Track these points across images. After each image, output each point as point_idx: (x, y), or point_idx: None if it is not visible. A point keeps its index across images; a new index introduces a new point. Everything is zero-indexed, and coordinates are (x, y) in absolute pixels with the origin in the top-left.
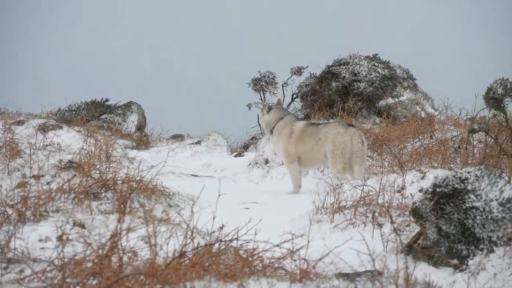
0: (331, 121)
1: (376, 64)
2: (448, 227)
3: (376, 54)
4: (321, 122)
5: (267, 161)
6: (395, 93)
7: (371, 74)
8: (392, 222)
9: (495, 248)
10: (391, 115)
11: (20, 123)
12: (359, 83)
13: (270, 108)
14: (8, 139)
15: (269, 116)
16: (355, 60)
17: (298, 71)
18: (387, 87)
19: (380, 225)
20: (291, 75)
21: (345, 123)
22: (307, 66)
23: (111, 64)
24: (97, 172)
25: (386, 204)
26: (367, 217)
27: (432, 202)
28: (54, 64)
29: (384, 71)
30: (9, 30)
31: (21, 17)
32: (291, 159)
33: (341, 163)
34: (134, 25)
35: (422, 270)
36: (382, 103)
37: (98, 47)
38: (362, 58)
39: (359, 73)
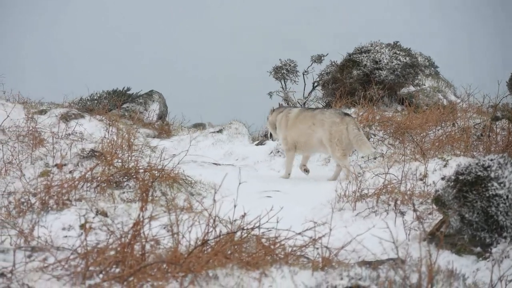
0: (328, 108)
1: (398, 52)
2: (471, 215)
3: (397, 42)
4: (317, 108)
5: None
6: (416, 81)
7: (392, 62)
8: (414, 210)
9: None
10: (413, 103)
11: (42, 112)
12: (380, 71)
13: (272, 111)
14: (31, 128)
15: (272, 116)
16: (376, 48)
17: (319, 59)
18: (408, 75)
19: (403, 213)
20: (312, 63)
21: (341, 112)
22: (327, 54)
23: (133, 53)
24: (119, 161)
25: (408, 192)
26: (389, 205)
27: (454, 190)
28: (74, 53)
29: (405, 58)
30: (29, 19)
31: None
32: (288, 147)
33: (340, 150)
34: (156, 15)
35: (445, 258)
36: (403, 91)
37: (117, 35)
38: (384, 45)
39: (380, 61)
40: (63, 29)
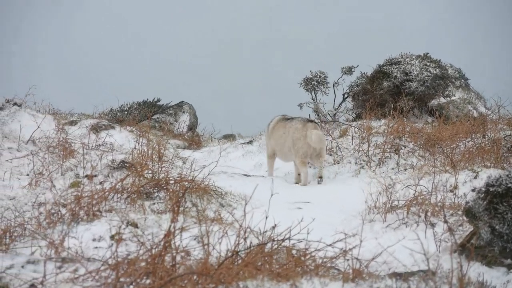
0: (297, 117)
1: (428, 64)
2: (501, 227)
3: (427, 53)
4: (294, 117)
5: None
6: (447, 93)
7: (422, 74)
8: (445, 222)
9: None
10: (443, 115)
11: (73, 123)
12: (410, 83)
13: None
14: (61, 139)
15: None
16: (406, 60)
17: (349, 70)
18: (439, 86)
19: (433, 225)
20: (342, 75)
21: (305, 119)
22: (357, 66)
23: (165, 64)
24: (150, 172)
25: (438, 204)
26: (419, 216)
27: (485, 202)
28: (104, 64)
29: (435, 70)
30: (59, 30)
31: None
32: (268, 154)
33: (299, 157)
34: (187, 25)
35: (475, 270)
36: (433, 102)
37: (147, 46)
38: (414, 57)
39: (410, 72)
40: (94, 41)
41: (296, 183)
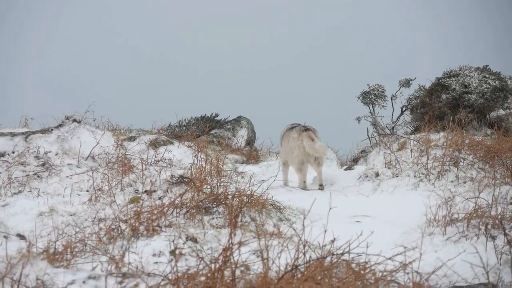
0: (297, 125)
1: (487, 76)
2: None
3: (487, 66)
4: (295, 126)
5: (377, 174)
6: (506, 105)
7: (482, 86)
8: (505, 234)
9: None
10: (502, 127)
11: (131, 139)
12: (469, 95)
13: None
14: (120, 155)
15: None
16: (465, 72)
17: (406, 83)
18: (498, 98)
19: (493, 238)
20: (400, 88)
21: (301, 128)
22: (415, 78)
23: (218, 80)
24: (208, 187)
25: (499, 216)
26: (479, 229)
27: None
28: (164, 80)
29: (495, 82)
30: (117, 46)
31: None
32: (281, 163)
33: (296, 164)
34: (242, 37)
35: None
36: (493, 114)
37: (205, 60)
38: (473, 69)
39: (469, 84)
40: (150, 58)
41: (302, 188)
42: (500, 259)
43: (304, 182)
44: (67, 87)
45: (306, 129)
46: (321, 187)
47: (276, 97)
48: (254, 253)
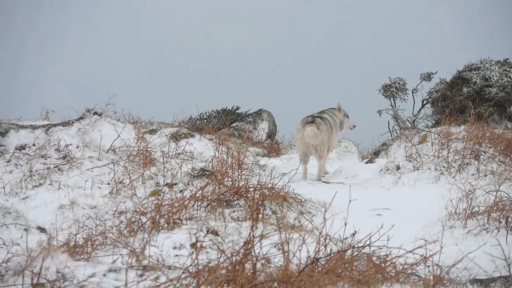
0: (310, 116)
1: (508, 69)
2: None
3: (507, 59)
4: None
5: (398, 167)
6: None
7: (502, 79)
8: None
9: None
10: None
11: (152, 132)
12: (490, 88)
13: None
14: (141, 148)
15: None
16: (486, 65)
17: (428, 76)
18: None
19: None
20: (421, 81)
21: (308, 119)
22: (436, 72)
23: (241, 72)
24: (229, 179)
25: None
26: (500, 222)
27: None
28: (183, 72)
29: None
30: (144, 41)
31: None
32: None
33: (299, 155)
34: (265, 31)
35: None
36: None
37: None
38: (493, 63)
39: (490, 78)
40: (173, 50)
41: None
42: None
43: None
44: (86, 83)
45: (312, 121)
46: (320, 178)
47: (296, 90)
48: (275, 246)
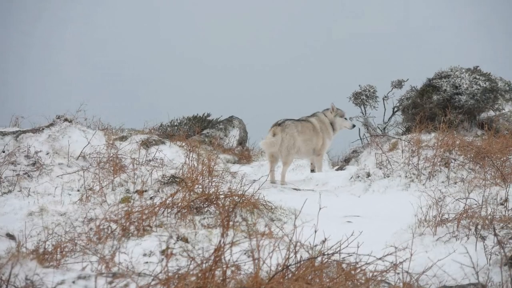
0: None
1: (477, 77)
2: None
3: (477, 67)
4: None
5: (368, 175)
6: (496, 106)
7: (472, 87)
8: (495, 235)
9: None
10: (493, 128)
11: (123, 138)
12: (460, 96)
13: None
14: (112, 154)
15: None
16: (456, 73)
17: (399, 84)
18: (488, 99)
19: (483, 238)
20: (392, 88)
21: (275, 123)
22: (407, 79)
23: (212, 79)
24: (200, 186)
25: (489, 217)
26: (470, 229)
27: None
28: (153, 80)
29: (485, 83)
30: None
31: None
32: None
33: (282, 158)
34: (235, 38)
35: None
36: (483, 115)
37: (197, 61)
38: (463, 70)
39: (460, 86)
40: (141, 57)
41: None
42: (490, 259)
43: (272, 177)
44: (57, 90)
45: (280, 124)
46: (281, 185)
47: (274, 97)
48: (245, 253)
